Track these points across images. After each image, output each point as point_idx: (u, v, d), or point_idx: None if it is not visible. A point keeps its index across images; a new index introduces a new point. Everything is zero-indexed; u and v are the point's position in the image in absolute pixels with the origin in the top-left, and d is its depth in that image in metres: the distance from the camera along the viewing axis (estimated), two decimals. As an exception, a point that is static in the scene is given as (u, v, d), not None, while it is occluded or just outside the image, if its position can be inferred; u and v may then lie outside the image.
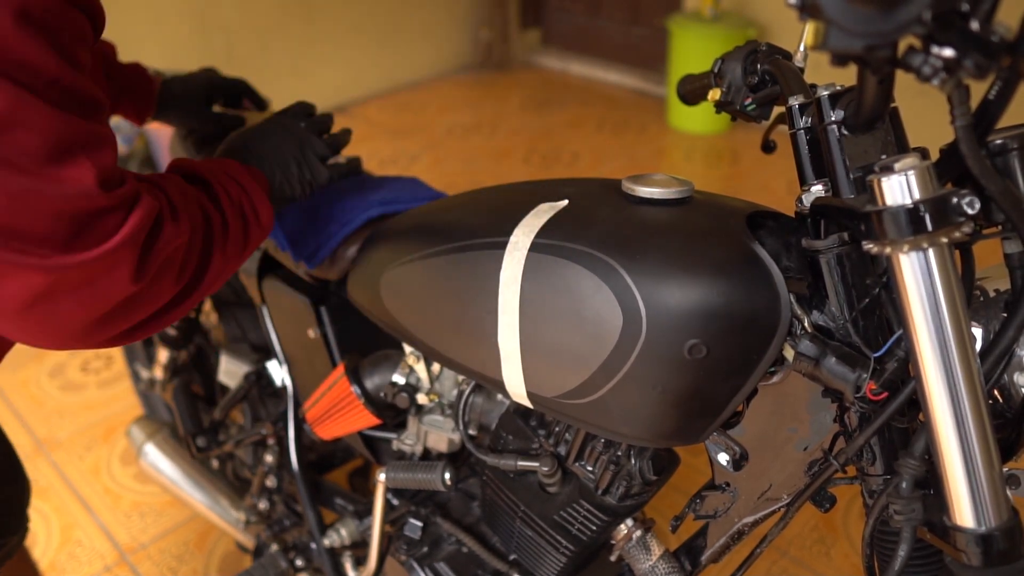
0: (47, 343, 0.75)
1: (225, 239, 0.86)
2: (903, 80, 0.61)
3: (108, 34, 0.92)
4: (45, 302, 0.69)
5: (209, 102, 1.30)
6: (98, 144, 0.70)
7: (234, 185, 0.91)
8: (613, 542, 1.01)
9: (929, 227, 0.59)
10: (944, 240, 0.60)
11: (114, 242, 0.70)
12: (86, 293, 0.71)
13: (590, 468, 0.98)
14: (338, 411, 1.17)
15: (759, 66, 0.90)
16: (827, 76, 0.73)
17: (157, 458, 1.69)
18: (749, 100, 0.90)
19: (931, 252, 0.61)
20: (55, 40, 0.65)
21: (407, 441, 1.17)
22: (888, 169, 0.60)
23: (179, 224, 0.78)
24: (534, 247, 0.82)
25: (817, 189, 0.76)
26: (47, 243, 0.67)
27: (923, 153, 0.69)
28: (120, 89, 1.22)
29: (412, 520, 1.19)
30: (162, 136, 3.29)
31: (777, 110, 0.89)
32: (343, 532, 1.36)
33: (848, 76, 0.63)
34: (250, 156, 0.99)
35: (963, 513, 0.65)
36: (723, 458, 0.89)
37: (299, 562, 1.51)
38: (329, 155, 1.04)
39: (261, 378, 1.51)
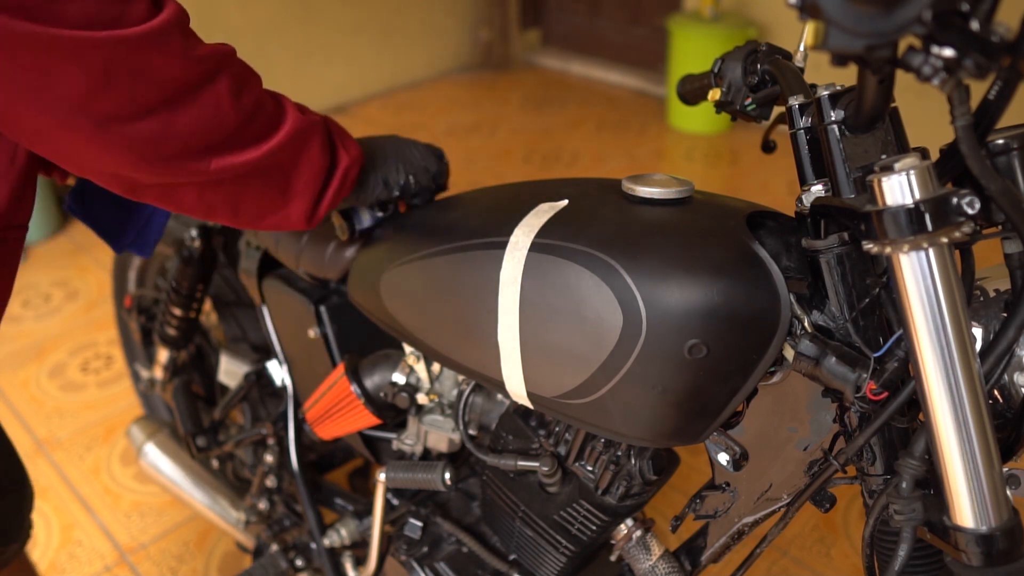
0: (118, 156, 0.75)
1: (303, 112, 0.89)
2: (903, 80, 0.61)
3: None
4: (103, 89, 0.71)
5: None
6: None
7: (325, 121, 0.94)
8: (613, 542, 1.01)
9: (929, 227, 0.59)
10: (944, 240, 0.60)
11: (157, 21, 0.71)
12: (141, 77, 0.72)
13: (590, 468, 0.98)
14: (338, 411, 1.17)
15: (759, 66, 0.90)
16: (827, 76, 0.73)
17: (157, 458, 1.69)
18: (749, 100, 0.90)
19: (931, 252, 0.61)
20: None
21: (407, 441, 1.17)
22: (888, 169, 0.60)
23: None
24: (534, 247, 0.82)
25: (817, 189, 0.76)
26: (92, 23, 0.68)
27: (923, 153, 0.69)
28: None
29: (412, 520, 1.19)
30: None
31: (777, 110, 0.89)
32: (343, 532, 1.36)
33: (848, 76, 0.63)
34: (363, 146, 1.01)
35: (963, 513, 0.65)
36: (723, 458, 0.89)
37: (299, 562, 1.51)
38: (437, 182, 1.08)
39: (261, 378, 1.51)
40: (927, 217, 0.59)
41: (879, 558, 0.82)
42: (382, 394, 1.13)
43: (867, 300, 0.74)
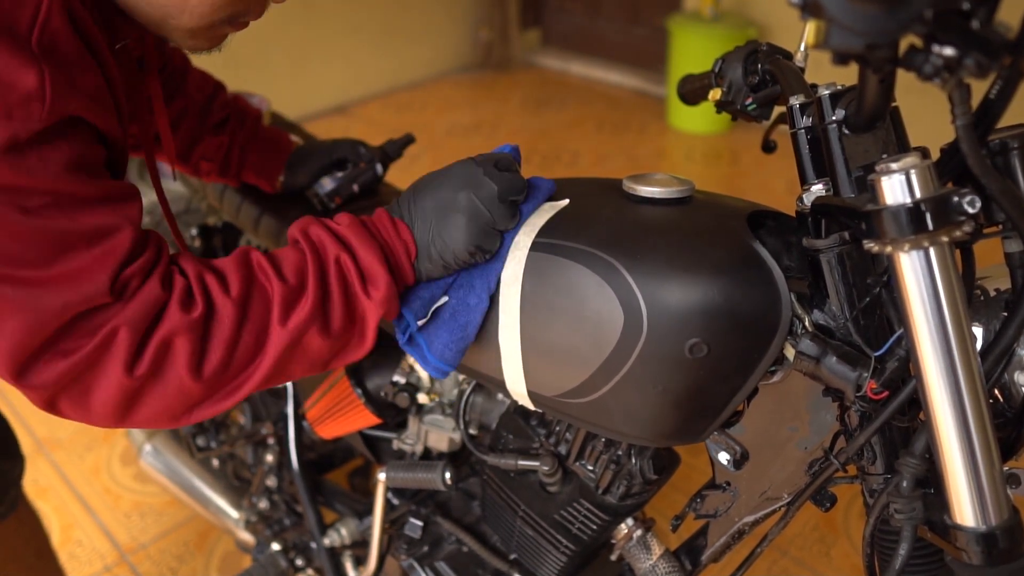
0: (89, 422, 0.77)
1: (288, 316, 0.77)
2: (904, 79, 0.61)
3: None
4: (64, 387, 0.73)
5: (332, 170, 1.28)
6: (109, 238, 0.71)
7: (337, 249, 0.80)
8: (613, 541, 1.01)
9: (930, 226, 0.59)
10: (945, 239, 0.60)
11: (100, 335, 0.71)
12: (85, 382, 0.72)
13: (591, 467, 0.98)
14: (338, 410, 1.17)
15: (760, 66, 0.90)
16: (828, 75, 0.73)
17: (157, 458, 1.69)
18: (750, 100, 0.90)
19: (932, 251, 0.61)
20: (50, 161, 0.67)
21: (407, 441, 1.17)
22: (889, 168, 0.60)
23: (189, 311, 0.74)
24: (535, 246, 0.82)
25: (818, 188, 0.76)
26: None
27: (924, 152, 0.69)
28: (252, 153, 1.25)
29: (412, 520, 1.19)
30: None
31: (778, 110, 0.89)
32: (343, 532, 1.36)
33: (849, 75, 0.63)
34: (409, 207, 0.85)
35: (964, 512, 0.65)
36: (723, 457, 0.89)
37: (299, 562, 1.51)
38: (509, 224, 0.83)
39: (261, 378, 1.50)
40: (928, 216, 0.59)
41: (879, 557, 0.82)
42: (382, 393, 1.13)
43: (868, 299, 0.74)
